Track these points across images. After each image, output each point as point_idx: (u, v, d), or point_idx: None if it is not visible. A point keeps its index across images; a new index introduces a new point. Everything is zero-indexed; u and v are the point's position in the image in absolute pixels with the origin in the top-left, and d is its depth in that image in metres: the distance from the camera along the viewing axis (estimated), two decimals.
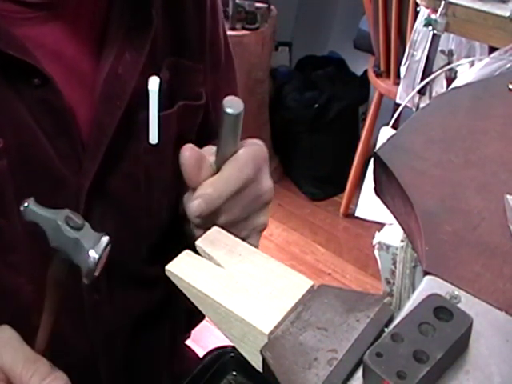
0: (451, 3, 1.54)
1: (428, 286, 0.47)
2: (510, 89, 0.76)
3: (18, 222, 0.64)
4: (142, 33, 0.67)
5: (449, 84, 1.55)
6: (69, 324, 0.69)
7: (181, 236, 0.72)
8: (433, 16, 1.58)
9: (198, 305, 0.48)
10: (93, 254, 0.51)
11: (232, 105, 0.57)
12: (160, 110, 0.69)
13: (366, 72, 2.50)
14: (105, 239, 0.52)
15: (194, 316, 0.93)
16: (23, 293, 0.66)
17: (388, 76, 2.28)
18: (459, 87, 0.83)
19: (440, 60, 1.74)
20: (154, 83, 0.68)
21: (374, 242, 1.26)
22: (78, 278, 0.56)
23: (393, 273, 1.21)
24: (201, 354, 1.01)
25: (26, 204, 0.53)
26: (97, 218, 0.66)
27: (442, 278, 0.47)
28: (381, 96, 2.33)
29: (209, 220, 0.61)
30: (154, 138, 0.69)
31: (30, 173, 0.63)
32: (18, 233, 0.64)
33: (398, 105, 1.66)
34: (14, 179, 0.62)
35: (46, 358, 0.55)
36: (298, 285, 0.47)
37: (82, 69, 0.66)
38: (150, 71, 0.68)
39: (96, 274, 0.52)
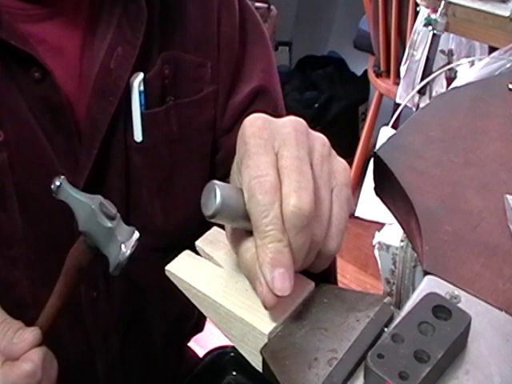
0: (451, 3, 1.54)
1: (428, 285, 0.46)
2: (510, 89, 0.75)
3: (17, 215, 0.64)
4: (134, 26, 0.65)
5: (449, 84, 1.55)
6: (66, 321, 0.69)
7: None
8: (433, 16, 1.58)
9: (197, 305, 0.48)
10: (125, 249, 0.49)
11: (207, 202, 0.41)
12: (147, 107, 0.67)
13: (365, 72, 2.50)
14: (136, 234, 0.50)
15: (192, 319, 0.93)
16: (20, 288, 0.66)
17: (388, 76, 2.28)
18: (459, 87, 0.83)
19: (440, 60, 1.74)
20: (136, 79, 0.66)
21: (374, 241, 1.26)
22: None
23: (393, 273, 1.21)
24: (201, 353, 1.01)
25: (57, 182, 0.51)
26: None
27: (441, 278, 0.47)
28: (381, 96, 2.33)
29: None
30: (138, 135, 0.68)
31: (28, 168, 0.64)
32: (17, 227, 0.64)
33: (398, 105, 1.66)
34: (13, 173, 0.62)
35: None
36: (298, 285, 0.47)
37: (81, 65, 0.66)
38: (145, 65, 0.67)
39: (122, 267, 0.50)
